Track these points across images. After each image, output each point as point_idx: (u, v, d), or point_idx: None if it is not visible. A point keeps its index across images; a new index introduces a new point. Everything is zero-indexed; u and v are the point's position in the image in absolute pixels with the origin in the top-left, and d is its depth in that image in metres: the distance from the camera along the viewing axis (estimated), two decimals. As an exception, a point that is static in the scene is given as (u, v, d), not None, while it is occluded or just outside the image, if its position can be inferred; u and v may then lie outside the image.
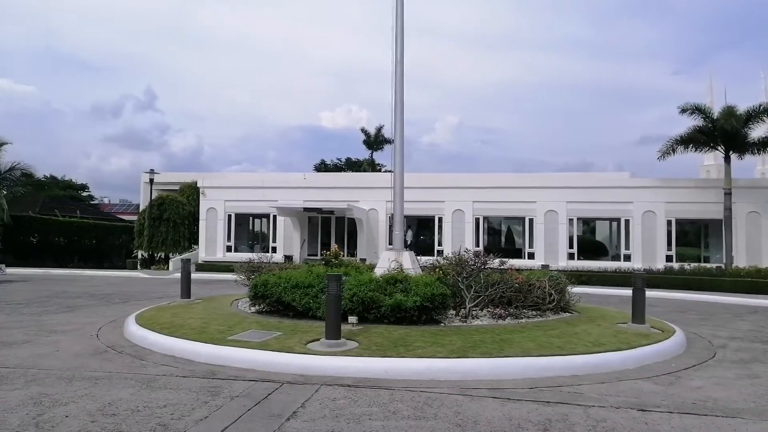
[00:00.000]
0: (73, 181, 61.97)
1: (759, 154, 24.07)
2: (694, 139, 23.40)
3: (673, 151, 23.82)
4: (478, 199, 26.67)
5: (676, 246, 25.11)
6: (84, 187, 63.14)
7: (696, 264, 23.36)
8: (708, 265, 23.12)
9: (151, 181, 29.69)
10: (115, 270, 28.24)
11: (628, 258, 25.24)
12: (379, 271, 10.26)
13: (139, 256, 30.65)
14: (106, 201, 65.79)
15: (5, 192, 28.30)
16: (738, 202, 23.52)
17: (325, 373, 6.36)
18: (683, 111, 22.87)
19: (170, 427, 4.56)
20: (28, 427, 4.54)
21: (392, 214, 13.29)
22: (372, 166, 47.94)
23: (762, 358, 7.94)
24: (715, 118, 22.54)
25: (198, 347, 7.32)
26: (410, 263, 10.87)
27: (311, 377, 6.27)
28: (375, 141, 46.21)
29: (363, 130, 46.53)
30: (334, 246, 12.93)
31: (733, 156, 23.34)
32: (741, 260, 23.23)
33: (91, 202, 58.68)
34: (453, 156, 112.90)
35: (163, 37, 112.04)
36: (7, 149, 28.41)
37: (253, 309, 10.22)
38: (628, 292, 12.67)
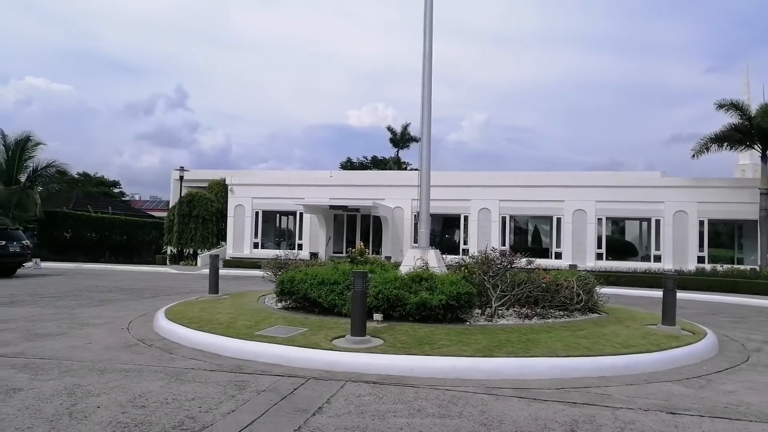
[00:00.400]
0: (106, 178, 63.49)
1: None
2: (730, 137, 22.80)
3: (707, 149, 23.27)
4: (504, 197, 26.44)
5: (709, 247, 24.50)
6: (116, 184, 64.64)
7: (729, 266, 22.78)
8: (742, 267, 22.52)
9: (181, 178, 30.23)
10: (144, 265, 28.84)
11: (658, 259, 24.74)
12: (404, 269, 10.26)
13: (168, 252, 31.25)
14: (137, 197, 67.25)
15: (40, 188, 29.17)
16: (774, 202, 22.82)
17: (350, 370, 6.39)
18: (720, 107, 22.28)
19: (198, 420, 4.64)
20: (62, 416, 4.67)
21: (418, 212, 13.26)
22: (398, 164, 47.93)
23: (798, 363, 7.70)
24: (752, 115, 21.92)
25: (225, 342, 7.43)
26: (436, 261, 10.84)
27: (336, 373, 6.30)
28: (401, 139, 46.18)
29: (389, 128, 46.57)
30: (359, 243, 12.96)
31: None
32: (777, 262, 22.54)
33: (123, 199, 60.01)
34: (480, 154, 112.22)
35: (195, 36, 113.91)
36: (43, 148, 29.31)
37: (279, 305, 10.32)
38: (657, 293, 12.44)
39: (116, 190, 62.99)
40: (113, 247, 33.77)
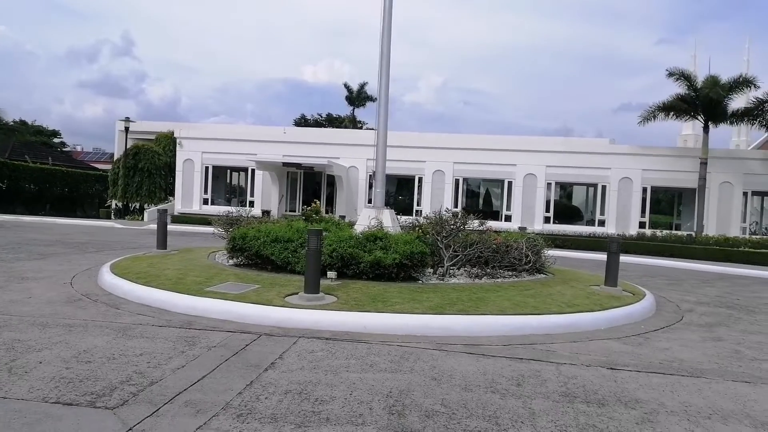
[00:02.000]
0: (45, 127, 60.06)
1: (737, 124, 24.46)
2: (676, 107, 23.57)
3: (654, 117, 24.01)
4: (458, 160, 26.65)
5: (650, 213, 25.59)
6: (56, 134, 61.26)
7: (668, 231, 23.88)
8: (679, 233, 23.65)
9: (127, 129, 28.92)
10: (88, 219, 27.78)
11: (602, 223, 25.67)
12: (359, 228, 10.25)
13: (113, 206, 30.15)
14: (78, 149, 64.15)
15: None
16: (713, 171, 23.94)
17: (303, 326, 6.39)
18: (670, 75, 22.92)
19: (147, 375, 4.55)
20: (0, 371, 4.48)
21: (373, 172, 13.18)
22: (353, 123, 47.35)
23: (726, 323, 8.22)
24: (698, 87, 22.67)
25: (174, 298, 7.28)
26: (390, 221, 10.88)
27: (289, 330, 6.29)
28: (357, 98, 45.48)
29: (346, 86, 45.69)
30: (315, 202, 12.82)
31: (712, 126, 23.62)
32: (711, 229, 23.83)
33: (64, 149, 57.09)
34: (435, 117, 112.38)
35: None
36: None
37: (230, 262, 10.16)
38: (601, 256, 12.94)
39: (57, 140, 59.79)
40: (54, 199, 32.26)
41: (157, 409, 3.86)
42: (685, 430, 3.95)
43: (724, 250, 19.53)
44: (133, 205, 29.23)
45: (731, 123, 24.13)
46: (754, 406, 4.56)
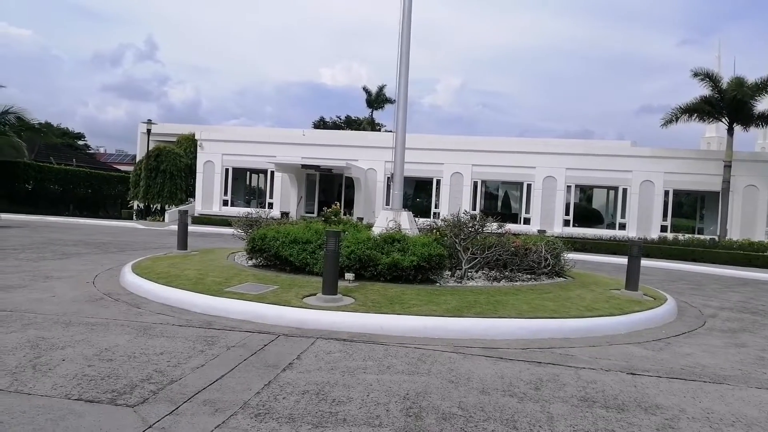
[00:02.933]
0: (70, 129, 61.24)
1: (763, 126, 23.92)
2: (700, 109, 23.16)
3: (677, 119, 23.61)
4: (477, 162, 26.53)
5: (672, 217, 25.19)
6: (80, 136, 62.48)
7: (690, 235, 23.50)
8: (702, 237, 23.26)
9: (149, 131, 29.37)
10: (110, 219, 28.24)
11: (623, 227, 25.33)
12: (377, 230, 10.26)
13: (135, 207, 30.60)
14: (102, 150, 65.28)
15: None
16: (737, 175, 23.48)
17: (321, 327, 6.42)
18: (695, 75, 22.49)
19: (167, 374, 4.61)
20: (25, 369, 4.58)
21: (391, 174, 13.18)
22: (372, 125, 47.43)
23: (750, 328, 8.05)
24: (723, 88, 22.26)
25: (194, 298, 7.36)
26: (408, 223, 10.87)
27: (307, 330, 6.33)
28: (376, 100, 45.58)
29: (365, 89, 45.85)
30: (334, 203, 12.86)
31: (737, 128, 23.17)
32: (735, 233, 23.37)
33: (88, 151, 58.14)
34: (454, 119, 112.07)
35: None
36: (2, 92, 27.96)
37: (250, 263, 10.24)
38: (621, 260, 12.77)
39: (81, 143, 60.91)
40: (77, 200, 32.86)
41: (177, 408, 3.91)
42: (707, 438, 3.88)
43: (748, 255, 19.16)
44: (155, 206, 29.64)
45: (757, 125, 23.63)
46: (779, 413, 4.46)
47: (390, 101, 43.83)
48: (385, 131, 44.75)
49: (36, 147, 36.72)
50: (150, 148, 29.46)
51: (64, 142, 49.76)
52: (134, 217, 29.29)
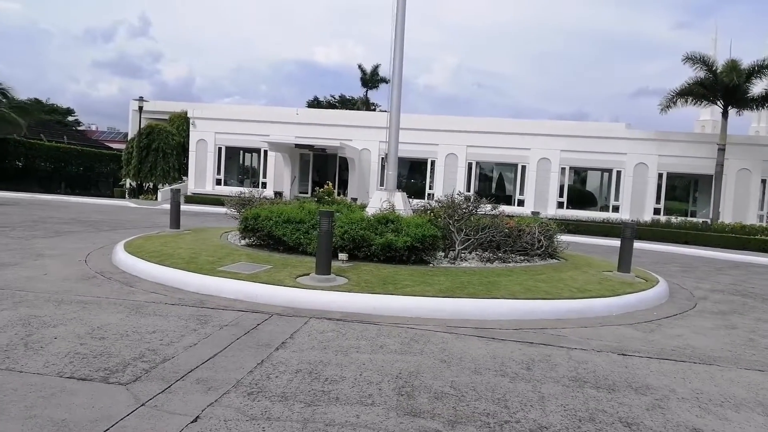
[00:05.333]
0: (59, 106, 60.40)
1: (758, 109, 23.94)
2: (694, 92, 23.10)
3: (674, 103, 23.57)
4: (472, 143, 26.44)
5: (665, 199, 25.28)
6: (70, 112, 61.64)
7: (683, 218, 23.62)
8: (695, 220, 23.39)
9: (141, 108, 29.02)
10: (102, 198, 28.05)
11: (616, 209, 25.42)
12: (370, 211, 10.24)
13: (127, 185, 30.38)
14: (93, 128, 64.51)
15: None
16: (730, 158, 23.52)
17: (314, 307, 6.42)
18: (688, 59, 22.42)
19: (159, 353, 4.60)
20: (17, 346, 4.56)
21: (385, 155, 13.12)
22: (366, 105, 47.10)
23: (740, 310, 8.14)
24: (717, 71, 22.19)
25: (187, 276, 7.34)
26: (402, 204, 10.85)
27: (300, 310, 6.33)
28: (371, 79, 45.20)
29: (360, 67, 45.42)
30: (327, 183, 12.82)
31: (732, 111, 23.16)
32: (727, 216, 23.51)
33: (78, 129, 57.46)
34: (449, 99, 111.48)
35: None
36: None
37: (243, 242, 10.22)
38: (614, 242, 12.83)
39: (71, 119, 60.16)
40: (69, 178, 32.56)
41: (169, 386, 3.91)
42: (696, 417, 3.93)
43: (739, 238, 19.30)
44: (147, 185, 29.45)
45: (751, 108, 23.61)
46: (767, 394, 4.52)
47: (385, 81, 43.46)
48: (380, 111, 44.47)
49: (26, 125, 36.25)
50: (142, 126, 29.15)
51: (53, 119, 49.16)
52: (126, 195, 29.10)
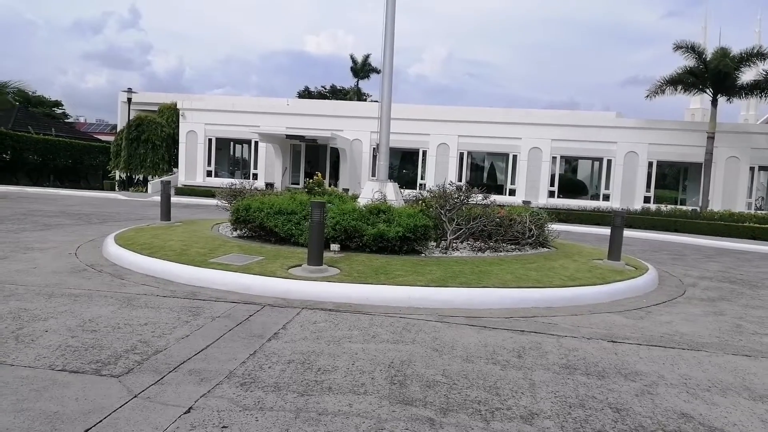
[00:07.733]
0: (46, 97, 59.68)
1: (747, 97, 24.10)
2: (684, 80, 23.21)
3: (662, 91, 23.64)
4: (463, 133, 26.45)
5: (655, 188, 25.45)
6: (58, 104, 60.97)
7: (672, 206, 23.80)
8: (684, 208, 23.58)
9: (129, 100, 28.78)
10: (92, 190, 27.85)
11: (607, 198, 25.57)
12: (362, 201, 10.25)
13: (117, 178, 30.17)
14: (81, 120, 63.90)
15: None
16: (720, 146, 23.69)
17: (306, 297, 6.43)
18: (678, 48, 22.51)
19: (151, 345, 4.60)
20: (7, 340, 4.54)
21: (377, 145, 13.11)
22: (358, 95, 46.97)
23: (728, 297, 8.23)
24: (707, 59, 22.28)
25: (179, 268, 7.32)
26: (394, 194, 10.86)
27: (293, 301, 6.34)
28: (362, 69, 45.08)
29: (351, 57, 45.30)
30: (318, 174, 12.80)
31: (721, 99, 23.29)
32: (716, 204, 23.72)
33: (66, 121, 56.86)
34: (441, 89, 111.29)
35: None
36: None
37: (234, 234, 10.19)
38: (605, 230, 12.93)
39: (58, 111, 59.49)
40: (58, 171, 32.29)
41: (162, 378, 3.91)
42: (684, 402, 3.98)
43: (728, 226, 19.48)
44: (137, 177, 29.27)
45: (740, 96, 23.77)
46: (753, 379, 4.59)
47: (376, 71, 43.37)
48: (371, 101, 44.34)
49: (13, 116, 35.84)
50: (131, 118, 28.92)
51: (40, 111, 48.60)
52: (116, 188, 28.90)
